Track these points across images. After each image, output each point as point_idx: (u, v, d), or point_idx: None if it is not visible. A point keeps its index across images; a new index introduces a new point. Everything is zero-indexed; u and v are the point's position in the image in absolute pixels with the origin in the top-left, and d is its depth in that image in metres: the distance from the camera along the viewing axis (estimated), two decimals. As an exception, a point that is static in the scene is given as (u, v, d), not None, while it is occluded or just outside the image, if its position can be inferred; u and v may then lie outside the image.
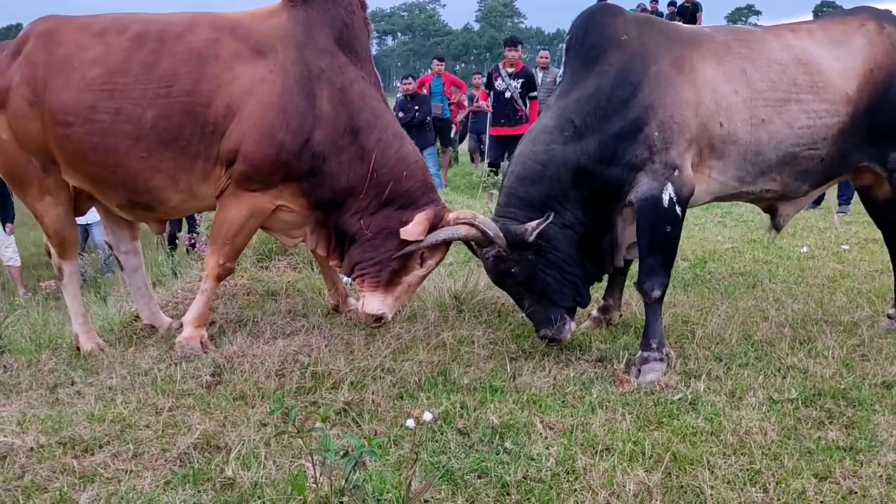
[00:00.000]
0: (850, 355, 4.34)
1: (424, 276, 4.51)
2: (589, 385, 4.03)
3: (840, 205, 9.72)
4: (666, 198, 4.11)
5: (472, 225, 4.11)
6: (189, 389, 3.96)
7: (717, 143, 4.23)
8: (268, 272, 6.04)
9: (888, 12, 4.59)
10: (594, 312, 5.00)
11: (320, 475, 2.63)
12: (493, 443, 3.39)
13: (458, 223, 4.19)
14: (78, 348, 4.71)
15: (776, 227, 4.77)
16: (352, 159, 4.34)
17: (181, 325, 4.68)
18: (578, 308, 4.52)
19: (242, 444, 3.28)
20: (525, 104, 11.52)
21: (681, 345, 4.55)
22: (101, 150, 4.31)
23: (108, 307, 5.76)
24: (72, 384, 4.15)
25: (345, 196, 4.38)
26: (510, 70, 11.52)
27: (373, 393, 3.86)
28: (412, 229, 4.15)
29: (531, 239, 4.06)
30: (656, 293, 4.21)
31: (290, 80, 4.28)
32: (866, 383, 3.97)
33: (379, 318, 4.35)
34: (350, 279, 4.60)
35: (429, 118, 12.91)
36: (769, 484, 3.06)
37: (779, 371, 4.14)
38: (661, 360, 4.18)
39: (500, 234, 4.07)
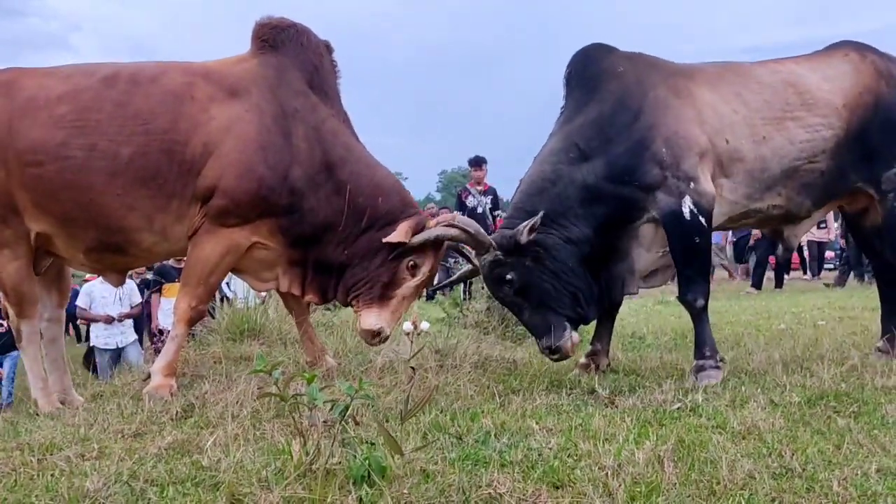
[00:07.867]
0: (845, 373, 4.21)
1: (418, 288, 4.47)
2: (583, 406, 3.84)
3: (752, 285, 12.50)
4: (686, 210, 4.19)
5: (452, 225, 4.15)
6: (157, 419, 3.67)
7: (724, 160, 4.36)
8: (239, 346, 5.80)
9: (867, 44, 4.86)
10: (582, 359, 4.85)
11: (309, 426, 2.41)
12: (488, 442, 3.17)
13: (439, 226, 4.24)
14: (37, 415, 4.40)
15: (787, 247, 4.92)
16: (329, 195, 4.38)
17: (149, 376, 4.42)
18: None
19: (219, 440, 3.03)
20: (493, 221, 11.67)
21: (673, 379, 4.38)
22: (75, 187, 4.20)
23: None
24: (28, 424, 3.83)
25: (324, 231, 4.37)
26: (479, 188, 11.78)
27: (354, 411, 3.61)
28: (395, 234, 4.15)
29: (524, 238, 4.06)
30: (700, 302, 4.28)
31: (266, 118, 4.33)
32: (867, 388, 3.86)
33: (377, 334, 4.31)
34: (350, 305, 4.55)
35: None
36: (785, 451, 2.89)
37: (777, 386, 4.00)
38: (717, 366, 4.21)
39: (482, 232, 4.14)
